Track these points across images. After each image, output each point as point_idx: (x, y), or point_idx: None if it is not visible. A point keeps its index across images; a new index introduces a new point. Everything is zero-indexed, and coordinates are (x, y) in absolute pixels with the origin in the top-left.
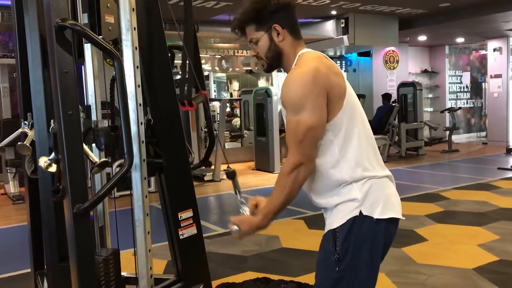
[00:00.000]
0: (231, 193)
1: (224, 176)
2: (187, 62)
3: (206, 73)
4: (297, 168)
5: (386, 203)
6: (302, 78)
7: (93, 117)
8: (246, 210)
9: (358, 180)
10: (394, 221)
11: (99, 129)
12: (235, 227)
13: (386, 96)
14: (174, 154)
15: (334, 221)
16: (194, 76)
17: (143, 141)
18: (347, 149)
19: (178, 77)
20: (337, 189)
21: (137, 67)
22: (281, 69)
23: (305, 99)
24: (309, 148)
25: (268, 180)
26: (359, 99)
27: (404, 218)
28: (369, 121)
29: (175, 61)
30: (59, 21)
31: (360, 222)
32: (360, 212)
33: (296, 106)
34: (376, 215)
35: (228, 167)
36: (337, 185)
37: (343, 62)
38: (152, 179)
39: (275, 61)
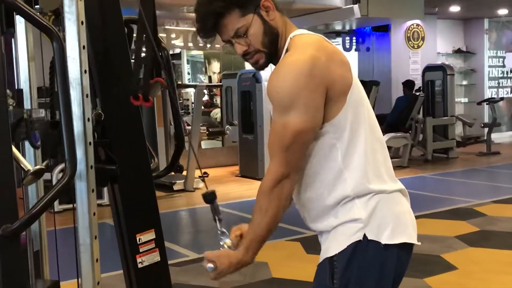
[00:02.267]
0: (209, 208)
1: (200, 185)
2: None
3: (178, 51)
4: (281, 182)
5: (397, 224)
6: (295, 68)
7: (26, 106)
8: (227, 243)
9: (362, 195)
10: (407, 247)
11: (34, 120)
12: (211, 265)
13: (408, 84)
14: (132, 158)
15: (331, 246)
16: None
17: (90, 143)
18: (353, 156)
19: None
20: (336, 207)
21: (84, 47)
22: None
23: (297, 96)
24: (297, 157)
25: (256, 190)
26: (371, 87)
27: (419, 243)
28: (386, 116)
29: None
30: None
31: (363, 248)
32: (364, 235)
33: (284, 104)
34: (384, 240)
35: (204, 173)
36: (336, 201)
37: (353, 39)
38: (104, 190)
39: (274, 46)
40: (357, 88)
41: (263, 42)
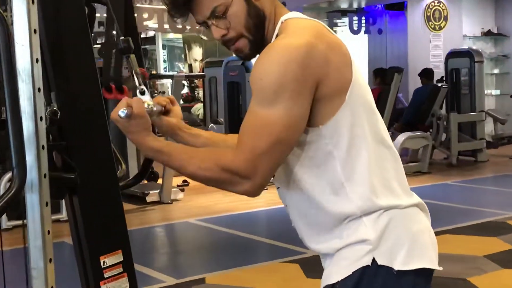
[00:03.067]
0: (190, 223)
1: (179, 196)
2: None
3: (151, 34)
4: (236, 176)
5: (412, 246)
6: (285, 54)
7: None
8: (148, 102)
9: (370, 212)
10: (425, 273)
11: None
12: (126, 110)
13: (426, 73)
14: (94, 164)
15: (333, 272)
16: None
17: (43, 146)
18: (355, 165)
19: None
20: (339, 226)
21: (35, 31)
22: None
23: (283, 88)
24: (270, 167)
25: (246, 201)
26: (392, 75)
27: (441, 268)
28: (402, 111)
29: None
30: None
31: (372, 275)
32: (373, 260)
33: (267, 94)
34: (397, 265)
35: (184, 181)
36: (340, 220)
37: (363, 19)
38: (62, 202)
39: (260, 32)
40: (359, 85)
41: (246, 25)
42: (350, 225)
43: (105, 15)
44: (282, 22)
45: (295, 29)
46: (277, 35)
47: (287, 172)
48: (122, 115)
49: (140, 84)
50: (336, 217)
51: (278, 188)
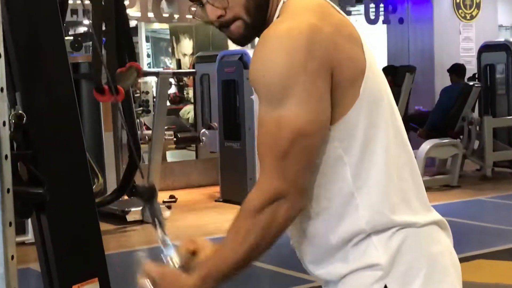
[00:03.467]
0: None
1: (165, 214)
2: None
3: (133, 24)
4: (275, 202)
5: (432, 271)
6: (287, 41)
7: None
8: (173, 259)
9: (381, 231)
10: None
11: None
12: (148, 284)
13: (457, 69)
14: (66, 177)
15: None
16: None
17: (6, 156)
18: (369, 173)
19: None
20: (344, 247)
21: None
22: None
23: (292, 80)
24: (300, 169)
25: None
26: (403, 75)
27: None
28: (428, 114)
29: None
30: None
31: None
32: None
33: (274, 92)
34: None
35: (171, 197)
36: (346, 239)
37: (381, 6)
38: (28, 222)
39: (261, 14)
40: (374, 76)
41: (246, 5)
42: (357, 247)
43: (78, 1)
44: (284, 2)
45: (295, 9)
46: (278, 16)
47: None
48: None
49: (164, 234)
50: (342, 235)
51: None
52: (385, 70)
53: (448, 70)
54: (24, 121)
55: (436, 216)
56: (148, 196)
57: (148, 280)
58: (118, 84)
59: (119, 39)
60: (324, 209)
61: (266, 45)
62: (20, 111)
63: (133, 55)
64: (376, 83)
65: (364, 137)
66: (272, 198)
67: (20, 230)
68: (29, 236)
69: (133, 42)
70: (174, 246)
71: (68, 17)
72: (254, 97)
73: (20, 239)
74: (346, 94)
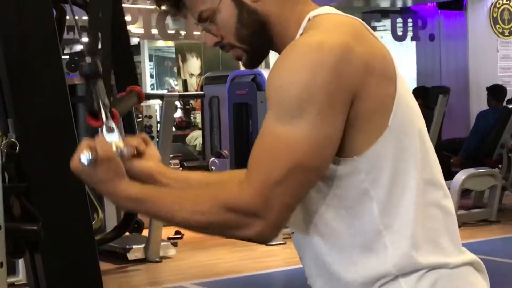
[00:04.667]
0: (185, 287)
1: (170, 252)
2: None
3: (135, 41)
4: (247, 218)
5: None
6: (314, 55)
7: None
8: (118, 143)
9: (410, 273)
10: None
11: None
12: (88, 155)
13: (496, 91)
14: (63, 212)
15: None
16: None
17: None
18: (398, 210)
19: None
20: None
21: None
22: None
23: (310, 99)
24: (291, 201)
25: (258, 259)
26: (437, 97)
27: None
28: (462, 141)
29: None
30: None
31: None
32: None
33: (288, 107)
34: None
35: (176, 233)
36: (371, 281)
37: (409, 21)
38: (20, 262)
39: (260, 40)
40: (406, 104)
41: (237, 34)
42: None
43: (76, 17)
44: (309, 19)
45: (327, 25)
46: (301, 34)
47: (307, 213)
48: (85, 161)
49: (108, 118)
50: (366, 276)
51: (292, 233)
52: (415, 92)
53: (488, 89)
54: (17, 150)
55: (470, 256)
56: (91, 72)
57: (90, 153)
58: (115, 107)
59: (118, 58)
60: (346, 248)
61: (291, 54)
62: (12, 139)
63: (135, 77)
64: (409, 113)
65: (393, 169)
66: (247, 212)
67: (10, 270)
68: (20, 277)
69: (133, 61)
70: (116, 131)
71: (64, 35)
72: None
73: (10, 280)
74: (373, 122)
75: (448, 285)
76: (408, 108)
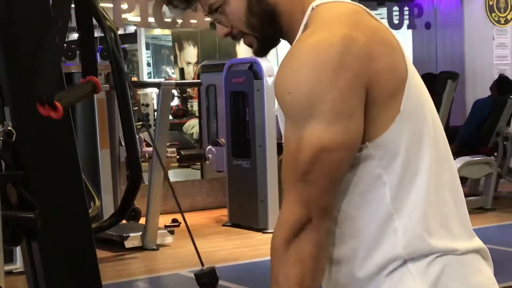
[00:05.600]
0: (182, 276)
1: (167, 240)
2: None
3: (131, 29)
4: (300, 232)
5: None
6: (316, 56)
7: None
8: None
9: (419, 257)
10: None
11: None
12: None
13: (505, 83)
14: (59, 200)
15: None
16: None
17: None
18: (409, 194)
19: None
20: (378, 276)
21: None
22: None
23: (320, 98)
24: (321, 190)
25: (255, 247)
26: (445, 82)
27: None
28: (458, 129)
29: None
30: None
31: None
32: None
33: (299, 111)
34: None
35: (174, 220)
36: (380, 267)
37: (405, 10)
38: (17, 250)
39: (269, 29)
40: (416, 87)
41: (248, 23)
42: (392, 276)
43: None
44: (312, 9)
45: (326, 18)
46: (305, 25)
47: None
48: None
49: None
50: (376, 262)
51: None
52: (423, 78)
53: (499, 77)
54: (13, 138)
55: (478, 243)
56: (210, 283)
57: None
58: (58, 100)
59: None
60: (358, 232)
61: (293, 60)
62: (9, 127)
63: (95, 68)
64: (419, 96)
65: (406, 155)
66: (296, 228)
67: (8, 258)
68: (18, 265)
69: (95, 53)
70: None
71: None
72: (278, 110)
73: (7, 268)
74: (386, 108)
75: (456, 271)
76: (419, 91)
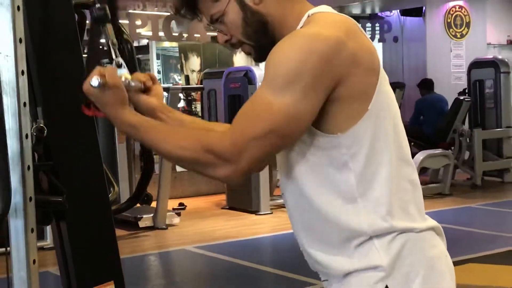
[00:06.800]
0: (187, 251)
1: (175, 220)
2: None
3: (144, 42)
4: (221, 161)
5: (429, 273)
6: (310, 43)
7: None
8: (126, 75)
9: (383, 235)
10: None
11: None
12: (98, 80)
13: (426, 84)
14: (84, 186)
15: None
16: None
17: (29, 166)
18: (373, 182)
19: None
20: (347, 244)
21: (20, 40)
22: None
23: (299, 78)
24: (261, 156)
25: (249, 226)
26: (395, 90)
27: None
28: (420, 124)
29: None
30: None
31: None
32: None
33: (280, 81)
34: None
35: (180, 204)
36: (348, 236)
37: (376, 26)
38: (48, 229)
39: (263, 38)
40: (385, 93)
41: (244, 33)
42: (360, 248)
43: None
44: (308, 16)
45: (323, 22)
46: (301, 27)
47: (295, 178)
48: (95, 84)
49: (117, 56)
50: (345, 230)
51: (282, 194)
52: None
53: (418, 85)
54: (45, 134)
55: (432, 222)
56: (101, 17)
57: (99, 78)
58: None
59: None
60: (327, 207)
61: (290, 41)
62: (41, 125)
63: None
64: (386, 98)
65: (370, 147)
66: (222, 156)
67: (39, 235)
68: (48, 241)
69: (134, 55)
70: (126, 68)
71: (85, 37)
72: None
73: (39, 244)
74: (354, 105)
75: (415, 246)
76: (386, 96)
